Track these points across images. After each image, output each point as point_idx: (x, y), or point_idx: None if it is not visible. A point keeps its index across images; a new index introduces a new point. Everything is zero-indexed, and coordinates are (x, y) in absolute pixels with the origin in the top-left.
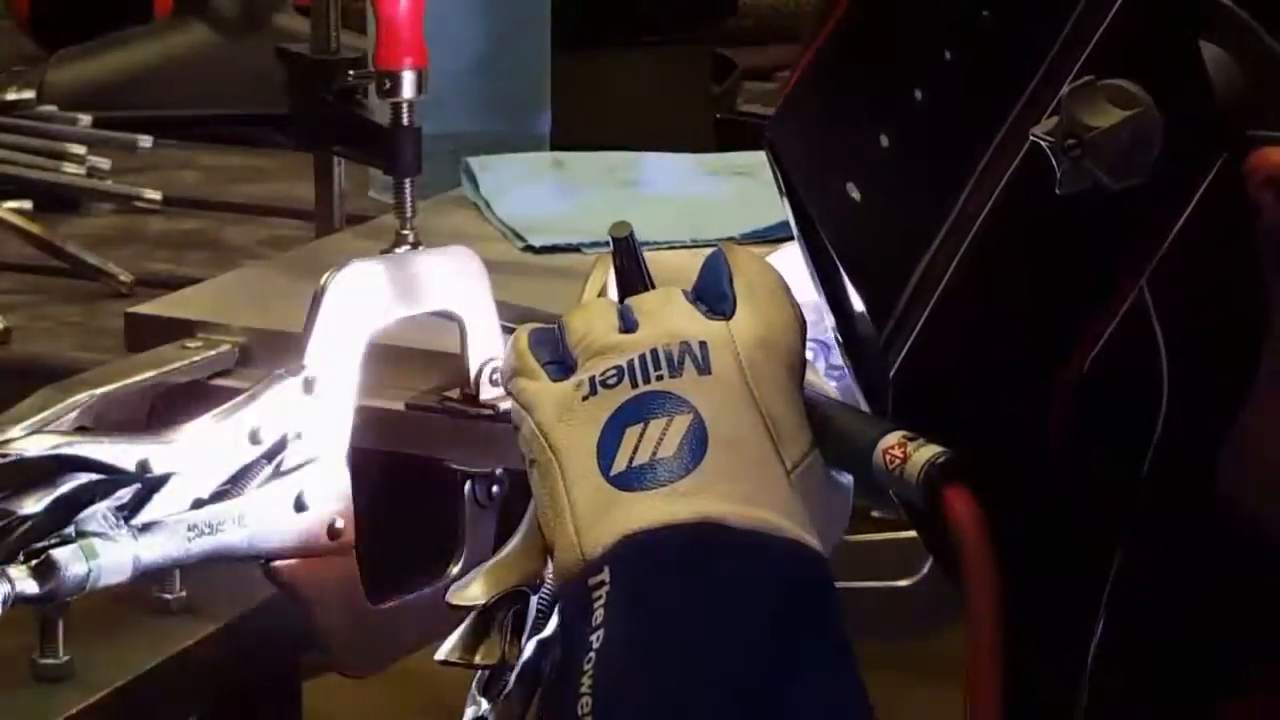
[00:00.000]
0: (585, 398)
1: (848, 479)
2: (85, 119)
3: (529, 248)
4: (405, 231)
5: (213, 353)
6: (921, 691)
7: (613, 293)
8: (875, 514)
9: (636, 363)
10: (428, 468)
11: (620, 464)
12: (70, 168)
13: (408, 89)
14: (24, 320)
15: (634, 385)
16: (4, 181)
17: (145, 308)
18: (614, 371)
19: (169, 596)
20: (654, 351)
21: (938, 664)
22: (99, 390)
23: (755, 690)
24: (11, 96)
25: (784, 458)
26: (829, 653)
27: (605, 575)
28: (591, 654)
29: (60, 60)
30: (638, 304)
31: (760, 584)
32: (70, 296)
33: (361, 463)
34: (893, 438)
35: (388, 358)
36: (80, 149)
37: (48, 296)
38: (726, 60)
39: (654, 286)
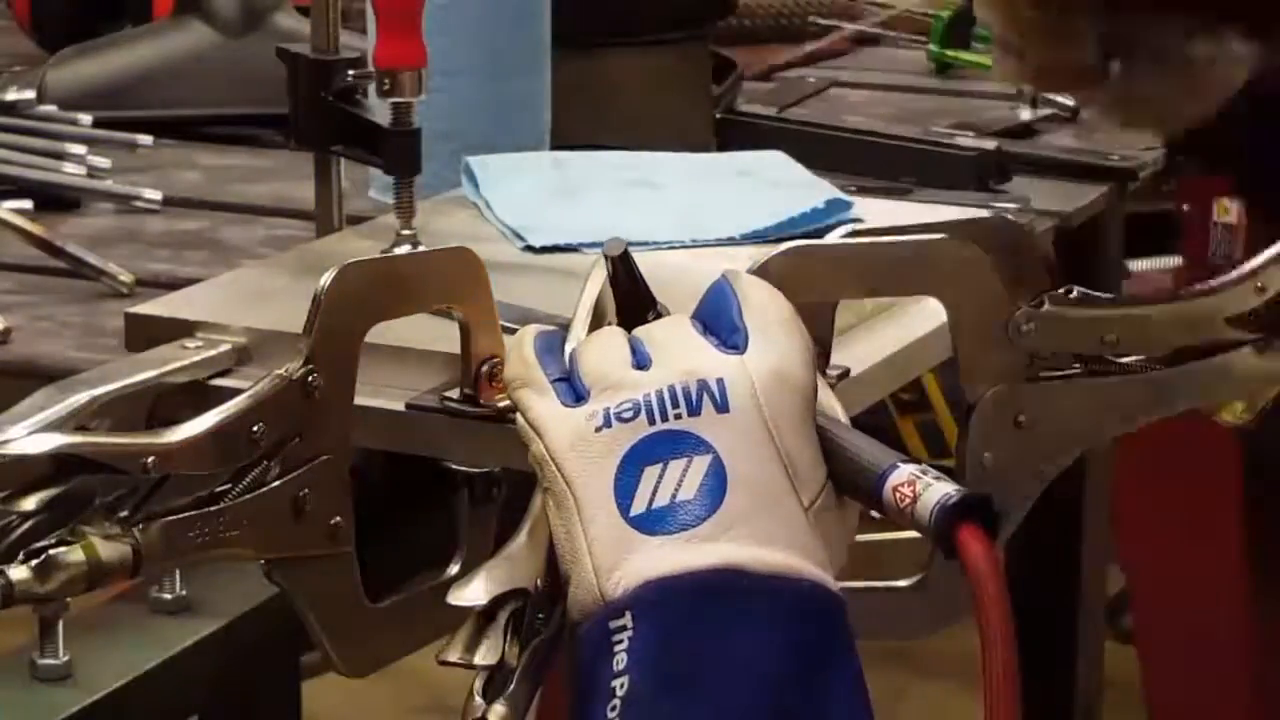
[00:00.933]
0: (599, 429)
1: (852, 503)
2: (85, 119)
3: (528, 248)
4: (405, 231)
5: (213, 353)
6: (922, 691)
7: (609, 308)
8: (875, 514)
9: (654, 399)
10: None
11: (639, 505)
12: (70, 168)
13: (408, 89)
14: (24, 320)
15: (651, 422)
16: (4, 181)
17: (145, 308)
18: (630, 406)
19: (169, 596)
20: (671, 389)
21: (938, 664)
22: (99, 390)
23: None
24: (11, 96)
25: (801, 496)
26: (849, 688)
27: (627, 620)
28: (616, 701)
29: (60, 60)
30: (648, 335)
31: (782, 629)
32: (70, 296)
33: (362, 463)
34: (902, 474)
35: (388, 358)
36: (80, 149)
37: (48, 296)
38: (726, 60)
39: (655, 303)
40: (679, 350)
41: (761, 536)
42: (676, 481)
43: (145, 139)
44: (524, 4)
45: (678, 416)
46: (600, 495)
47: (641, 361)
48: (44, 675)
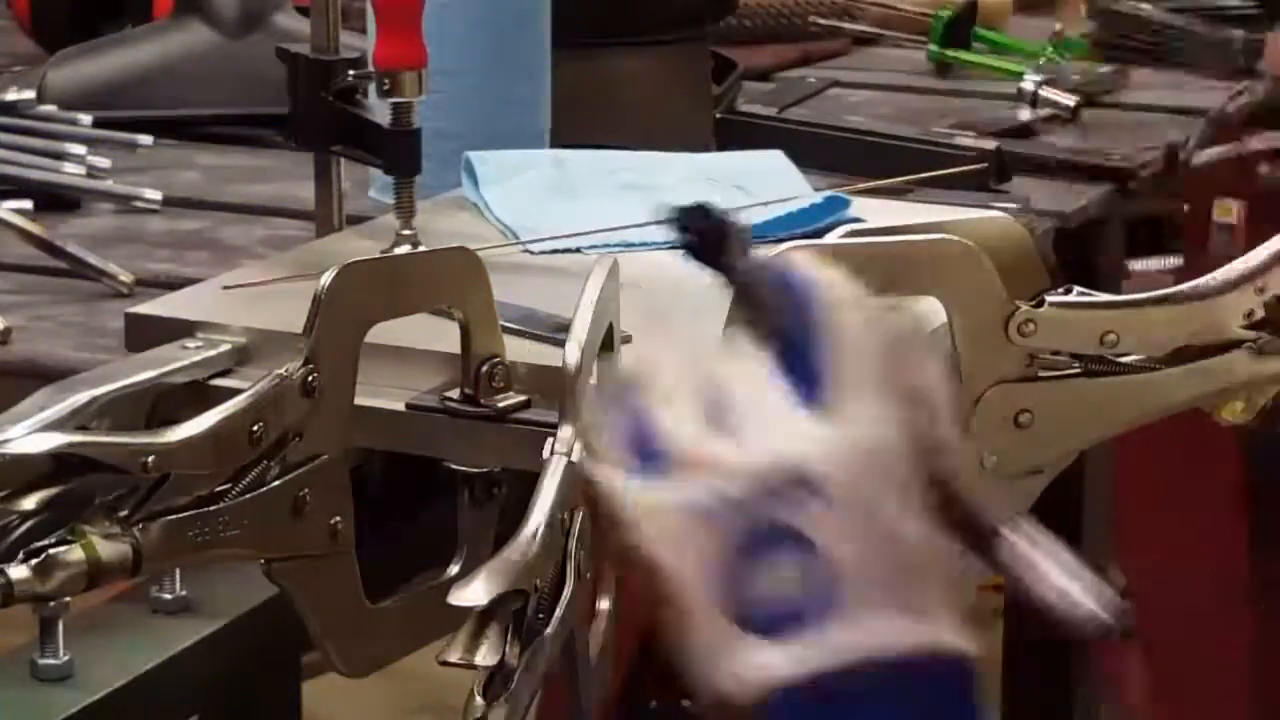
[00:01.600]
0: (692, 518)
1: None
2: (85, 119)
3: (527, 250)
4: (405, 231)
5: (213, 353)
6: None
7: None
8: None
9: (749, 495)
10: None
11: (745, 605)
12: (70, 168)
13: (408, 89)
14: (24, 320)
15: (747, 519)
16: (4, 181)
17: (145, 308)
18: (721, 500)
19: (169, 596)
20: (765, 484)
21: None
22: (99, 390)
23: None
24: (11, 96)
25: (914, 569)
26: None
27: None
28: None
29: (60, 60)
30: (724, 391)
31: (912, 709)
32: (70, 296)
33: (362, 463)
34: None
35: (388, 358)
36: (80, 149)
37: (48, 296)
38: (726, 60)
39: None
40: (762, 422)
41: (878, 626)
42: (781, 582)
43: (145, 139)
44: (524, 4)
45: (770, 504)
46: (699, 596)
47: (721, 417)
48: (44, 675)
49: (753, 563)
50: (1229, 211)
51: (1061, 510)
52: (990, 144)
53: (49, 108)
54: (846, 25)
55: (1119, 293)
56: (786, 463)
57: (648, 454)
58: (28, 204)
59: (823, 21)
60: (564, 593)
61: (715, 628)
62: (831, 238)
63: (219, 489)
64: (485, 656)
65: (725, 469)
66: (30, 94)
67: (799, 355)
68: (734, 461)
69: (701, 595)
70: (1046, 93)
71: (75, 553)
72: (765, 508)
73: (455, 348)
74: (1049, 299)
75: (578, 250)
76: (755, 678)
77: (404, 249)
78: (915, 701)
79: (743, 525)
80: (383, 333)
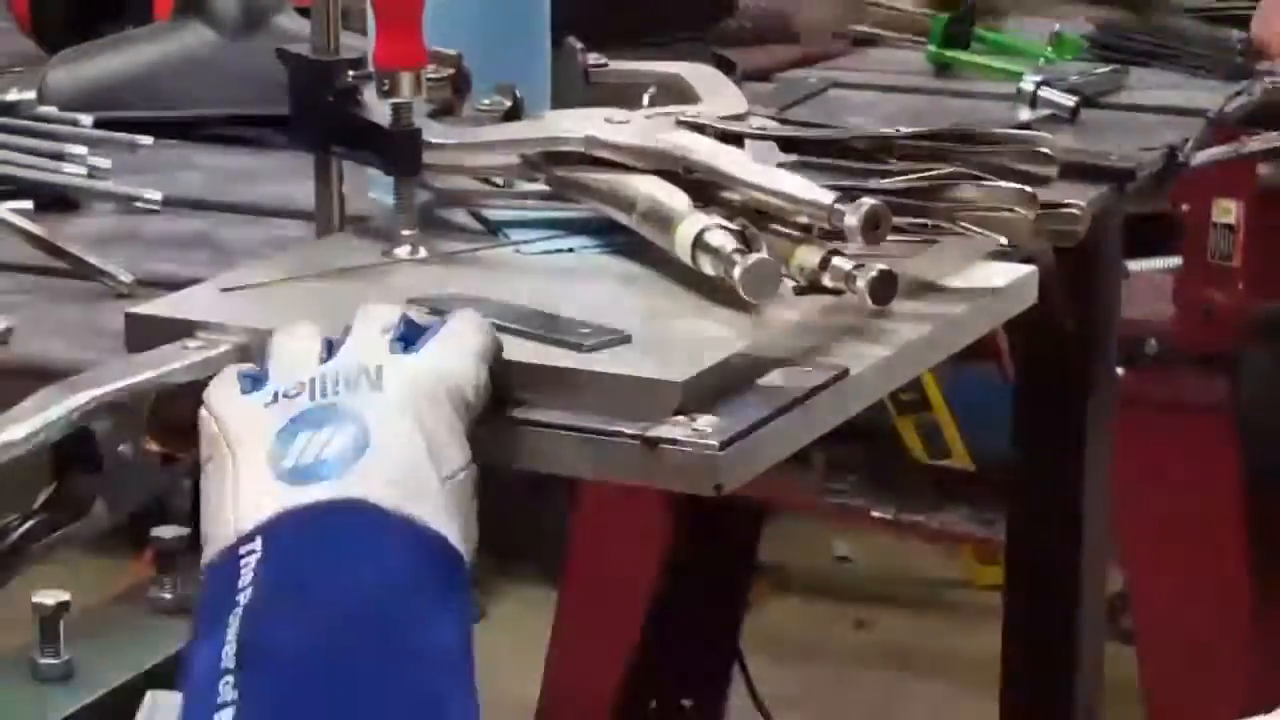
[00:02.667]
0: (267, 405)
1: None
2: (85, 119)
3: (518, 250)
4: (405, 231)
5: (213, 353)
6: (921, 691)
7: None
8: (875, 514)
9: (318, 379)
10: None
11: (288, 462)
12: (70, 168)
13: (408, 89)
14: (24, 320)
15: (312, 398)
16: (4, 181)
17: (145, 308)
18: (295, 385)
19: (169, 596)
20: (335, 371)
21: (938, 664)
22: (99, 390)
23: (386, 632)
24: (11, 97)
25: (439, 468)
26: (451, 637)
27: (256, 545)
28: (238, 609)
29: (60, 61)
30: (347, 337)
31: (401, 554)
32: (70, 296)
33: None
34: None
35: None
36: (80, 149)
37: (48, 296)
38: (726, 60)
39: None
40: (357, 346)
41: (396, 492)
42: (323, 444)
43: (145, 139)
44: (524, 4)
45: (336, 393)
46: (255, 455)
47: (331, 356)
48: (44, 675)
49: (304, 430)
50: (1229, 211)
51: (1061, 510)
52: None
53: (49, 108)
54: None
55: (1120, 293)
56: (359, 363)
57: (254, 380)
58: (28, 204)
59: None
60: None
61: (253, 477)
62: None
63: None
64: None
65: (308, 370)
66: (30, 94)
67: (415, 330)
68: (317, 366)
69: (251, 456)
70: (1046, 93)
71: None
72: (328, 389)
73: None
74: None
75: (570, 250)
76: (267, 507)
77: (404, 249)
78: (399, 547)
79: (305, 404)
80: None
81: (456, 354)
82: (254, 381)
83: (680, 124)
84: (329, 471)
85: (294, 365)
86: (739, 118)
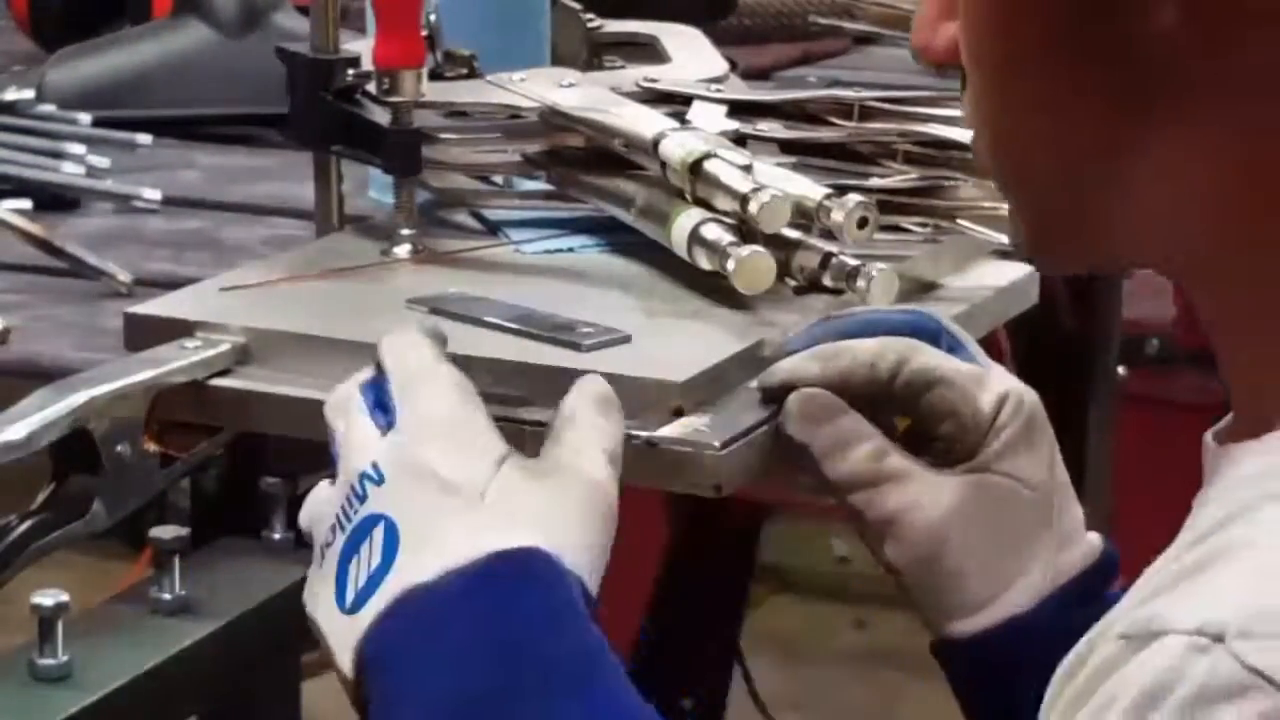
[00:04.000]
0: (319, 566)
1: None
2: (85, 119)
3: (519, 250)
4: (405, 231)
5: (212, 353)
6: (921, 691)
7: None
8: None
9: (339, 513)
10: None
11: (349, 598)
12: (70, 168)
13: (408, 89)
14: (24, 320)
15: (343, 530)
16: (4, 181)
17: (145, 308)
18: (328, 531)
19: (169, 596)
20: (346, 495)
21: (938, 664)
22: (99, 390)
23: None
24: (11, 96)
25: (475, 485)
26: (569, 654)
27: (367, 692)
28: None
29: (60, 60)
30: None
31: (472, 617)
32: (70, 296)
33: None
34: None
35: None
36: (80, 149)
37: (47, 296)
38: (727, 60)
39: None
40: (348, 452)
41: (434, 554)
42: (366, 559)
43: (145, 139)
44: (524, 4)
45: (357, 513)
46: (328, 615)
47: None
48: (44, 675)
49: (350, 560)
50: None
51: None
52: None
53: (48, 107)
54: (846, 25)
55: (1120, 293)
56: (356, 471)
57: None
58: (27, 204)
59: (823, 21)
60: None
61: (335, 632)
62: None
63: None
64: None
65: (326, 510)
66: (30, 94)
67: (380, 390)
68: (332, 496)
69: (325, 618)
70: None
71: None
72: (350, 515)
73: (455, 347)
74: None
75: (570, 250)
76: (352, 644)
77: (403, 249)
78: (488, 595)
79: (342, 539)
80: (379, 332)
81: (427, 385)
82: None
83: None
84: (378, 579)
85: (314, 515)
86: (718, 80)
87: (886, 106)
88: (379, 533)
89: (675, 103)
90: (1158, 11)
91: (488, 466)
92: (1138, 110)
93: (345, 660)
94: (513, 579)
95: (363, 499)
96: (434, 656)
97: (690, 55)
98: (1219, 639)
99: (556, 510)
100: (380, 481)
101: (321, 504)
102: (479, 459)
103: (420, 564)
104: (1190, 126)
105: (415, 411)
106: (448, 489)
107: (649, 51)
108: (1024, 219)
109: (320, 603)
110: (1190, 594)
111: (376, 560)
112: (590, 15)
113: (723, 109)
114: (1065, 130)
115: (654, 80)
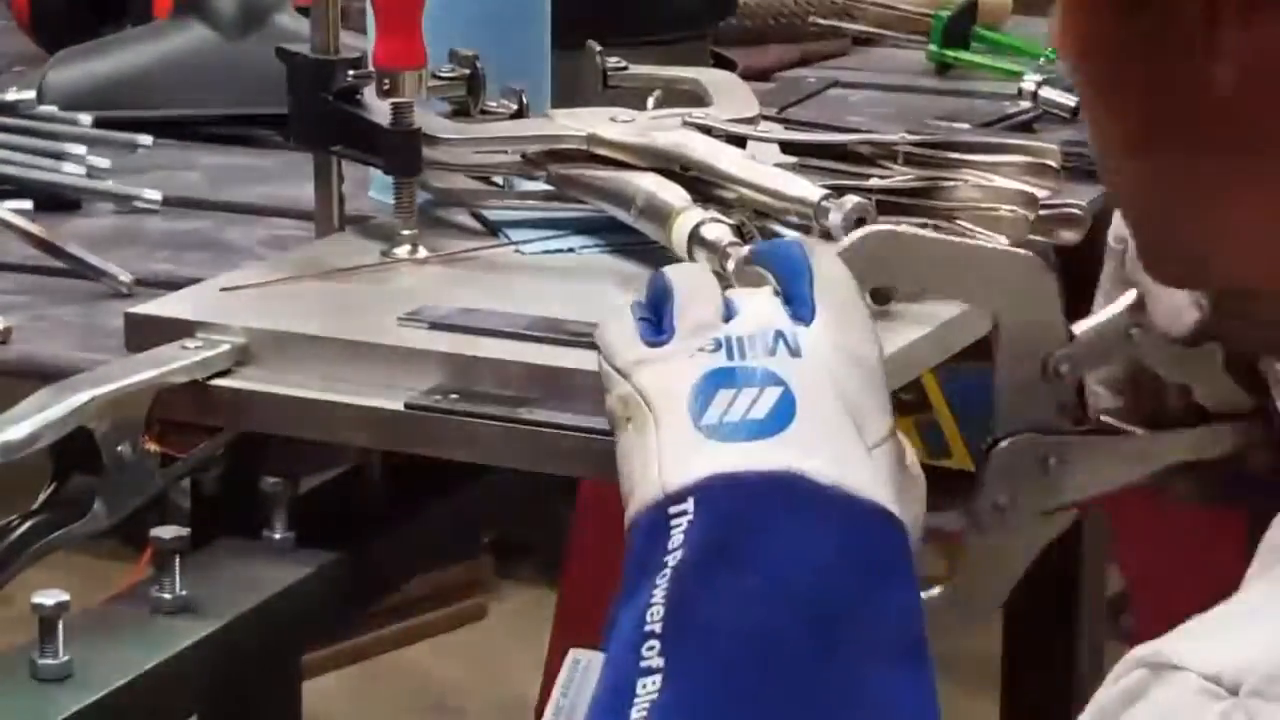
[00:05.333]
0: (689, 357)
1: (919, 471)
2: (85, 119)
3: (519, 250)
4: (405, 231)
5: (212, 353)
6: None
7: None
8: None
9: (734, 339)
10: None
11: (712, 417)
12: (70, 168)
13: (408, 89)
14: (24, 320)
15: (729, 358)
16: (4, 181)
17: (145, 308)
18: (713, 342)
19: (169, 596)
20: (751, 335)
21: (938, 664)
22: (99, 390)
23: (827, 615)
24: (11, 96)
25: (864, 437)
26: (898, 611)
27: (689, 505)
28: (667, 571)
29: (60, 60)
30: (737, 297)
31: (838, 533)
32: (70, 296)
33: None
34: None
35: (386, 358)
36: (80, 149)
37: (48, 296)
38: (726, 60)
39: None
40: (761, 309)
41: (826, 458)
42: (749, 404)
43: (145, 139)
44: (524, 4)
45: (754, 356)
46: (676, 407)
47: (730, 315)
48: (44, 675)
49: (724, 387)
50: None
51: None
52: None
53: (49, 108)
54: (846, 25)
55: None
56: (772, 325)
57: (656, 327)
58: (28, 204)
59: (823, 21)
60: None
61: (678, 430)
62: (908, 226)
63: None
64: None
65: (718, 328)
66: (30, 94)
67: (789, 286)
68: (727, 325)
69: (673, 407)
70: (1046, 92)
71: None
72: (746, 350)
73: (456, 348)
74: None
75: (570, 250)
76: (698, 466)
77: (403, 249)
78: (837, 523)
79: (723, 361)
80: (379, 332)
81: (858, 323)
82: (650, 326)
83: (686, 124)
84: (758, 430)
85: (697, 316)
86: (749, 120)
87: (932, 154)
88: (773, 394)
89: (732, 142)
90: (1216, 81)
91: (883, 428)
92: (1216, 164)
93: (675, 471)
94: (893, 549)
95: (770, 352)
96: (802, 556)
97: (727, 96)
98: (1233, 691)
99: (908, 501)
100: (796, 354)
101: (704, 291)
102: (882, 415)
103: (814, 460)
104: (1268, 174)
105: (845, 321)
106: (853, 414)
107: (682, 95)
108: (1135, 241)
109: (650, 363)
110: (1217, 634)
111: (761, 414)
112: (617, 60)
113: (774, 147)
114: (1157, 176)
115: (701, 117)
